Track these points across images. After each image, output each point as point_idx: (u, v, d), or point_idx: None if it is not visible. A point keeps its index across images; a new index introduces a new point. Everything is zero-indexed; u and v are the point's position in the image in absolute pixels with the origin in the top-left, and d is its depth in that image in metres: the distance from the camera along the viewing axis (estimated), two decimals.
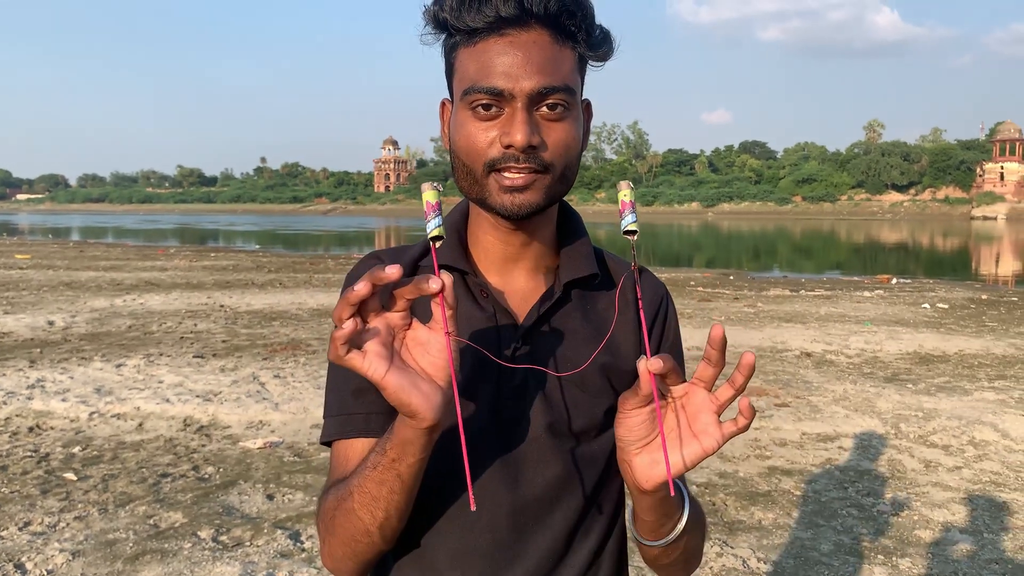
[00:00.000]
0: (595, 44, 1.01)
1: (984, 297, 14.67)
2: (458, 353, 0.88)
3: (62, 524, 3.97)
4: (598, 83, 1.07)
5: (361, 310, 0.84)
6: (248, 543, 3.80)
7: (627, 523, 1.08)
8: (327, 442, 1.08)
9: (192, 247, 31.17)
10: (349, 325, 0.83)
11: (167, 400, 6.29)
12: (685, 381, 0.94)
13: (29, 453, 5.06)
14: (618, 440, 0.97)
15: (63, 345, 8.72)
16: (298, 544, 3.79)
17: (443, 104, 1.09)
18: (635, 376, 1.14)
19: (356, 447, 1.05)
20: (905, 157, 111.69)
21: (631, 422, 0.94)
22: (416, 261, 1.12)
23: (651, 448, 0.94)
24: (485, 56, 0.97)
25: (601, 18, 1.03)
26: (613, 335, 1.11)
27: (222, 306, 12.12)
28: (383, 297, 0.87)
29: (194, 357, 8.08)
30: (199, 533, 3.89)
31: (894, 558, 3.78)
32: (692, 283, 16.70)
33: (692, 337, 8.57)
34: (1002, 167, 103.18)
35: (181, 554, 3.66)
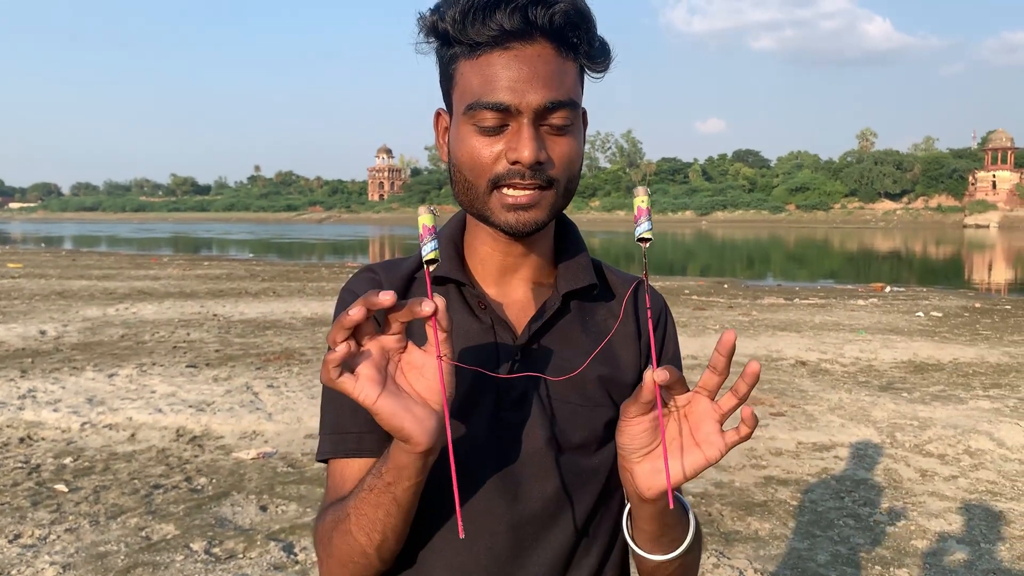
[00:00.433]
0: (596, 56, 1.00)
1: (978, 305, 14.71)
2: (452, 377, 0.87)
3: (53, 536, 3.93)
4: (591, 92, 1.06)
5: (355, 333, 0.84)
6: (241, 555, 3.77)
7: (626, 534, 1.05)
8: (323, 460, 1.07)
9: (185, 256, 31.09)
10: (342, 349, 0.82)
11: (159, 410, 6.25)
12: (688, 391, 0.92)
13: (20, 464, 5.01)
14: (620, 448, 0.95)
15: (55, 355, 8.67)
16: (291, 556, 3.76)
17: (438, 114, 1.07)
18: (631, 390, 1.13)
19: (351, 466, 1.04)
20: (898, 166, 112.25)
21: (633, 430, 0.92)
22: (412, 274, 1.11)
23: (653, 456, 0.93)
24: (489, 70, 0.95)
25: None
26: (613, 347, 1.10)
27: (215, 315, 12.07)
28: (378, 319, 0.86)
29: (187, 367, 8.03)
30: (191, 545, 3.85)
31: (891, 568, 3.76)
32: (686, 291, 16.70)
33: (687, 346, 8.57)
34: (994, 176, 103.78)
35: (173, 566, 3.63)
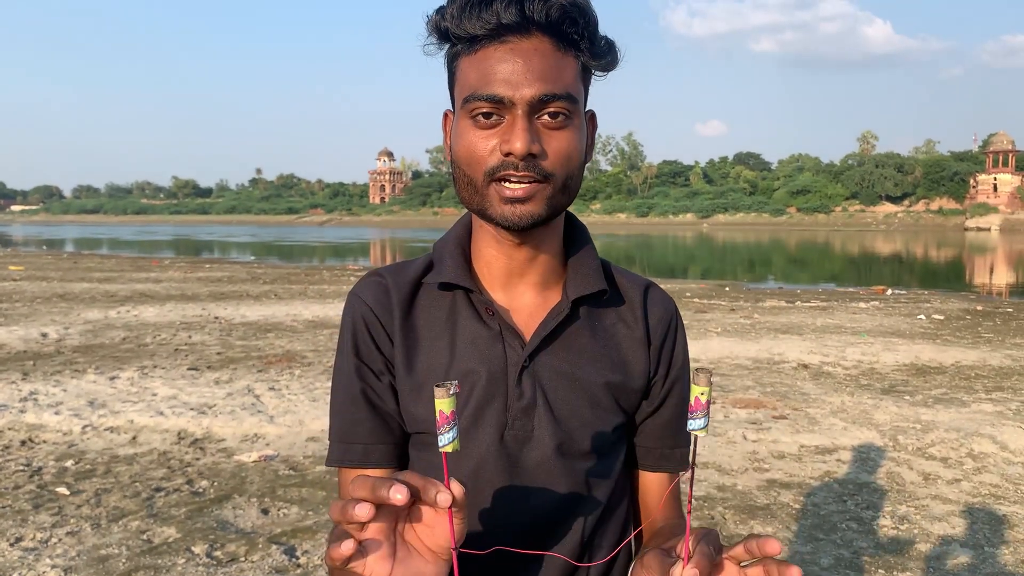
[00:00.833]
0: (598, 53, 0.99)
1: (979, 308, 14.69)
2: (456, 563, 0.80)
3: (54, 539, 3.92)
4: (593, 94, 1.05)
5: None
6: (243, 558, 3.76)
7: None
8: (335, 462, 1.09)
9: (187, 258, 31.10)
10: (348, 547, 0.74)
11: (161, 413, 6.24)
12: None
13: (21, 467, 5.01)
14: None
15: (56, 357, 8.66)
16: (293, 559, 3.75)
17: (446, 115, 1.07)
18: (643, 395, 1.12)
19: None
20: (899, 168, 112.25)
21: None
22: (419, 279, 1.10)
23: None
24: (485, 63, 0.95)
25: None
26: (622, 353, 1.09)
27: (217, 318, 12.07)
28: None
29: (188, 369, 8.03)
30: (193, 548, 3.85)
31: (894, 572, 3.75)
32: (688, 294, 16.69)
33: (688, 349, 8.54)
34: (995, 178, 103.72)
35: (175, 570, 3.62)
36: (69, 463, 5.09)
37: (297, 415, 6.21)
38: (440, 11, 0.98)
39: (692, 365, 1.13)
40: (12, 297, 14.59)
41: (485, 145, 0.96)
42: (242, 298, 14.97)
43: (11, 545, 3.84)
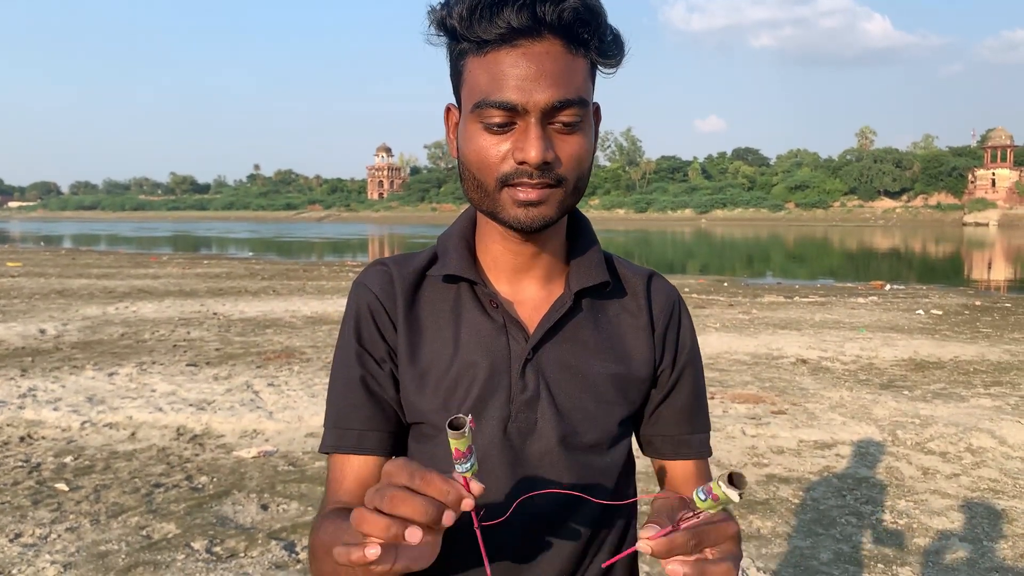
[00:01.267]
0: (607, 51, 0.98)
1: (978, 303, 14.70)
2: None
3: (53, 535, 3.92)
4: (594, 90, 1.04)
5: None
6: (242, 554, 3.76)
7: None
8: (327, 448, 1.08)
9: (185, 254, 31.07)
10: (373, 553, 0.73)
11: (160, 409, 6.24)
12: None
13: (20, 463, 5.00)
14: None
15: (55, 354, 8.66)
16: (293, 555, 3.75)
17: (448, 109, 1.06)
18: (648, 385, 1.12)
19: (351, 463, 1.04)
20: (897, 164, 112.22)
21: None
22: (423, 270, 1.10)
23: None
24: (496, 68, 0.93)
25: None
26: (625, 343, 1.09)
27: (215, 314, 12.06)
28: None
29: (187, 365, 8.02)
30: (192, 544, 3.85)
31: (893, 566, 3.76)
32: (687, 290, 16.70)
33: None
34: (993, 174, 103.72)
35: (174, 565, 3.62)
36: (68, 459, 5.09)
37: (296, 411, 6.21)
38: (446, 7, 0.96)
39: None
40: (10, 294, 14.58)
41: (497, 151, 0.95)
42: (240, 294, 14.96)
43: (10, 541, 3.84)
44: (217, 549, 3.81)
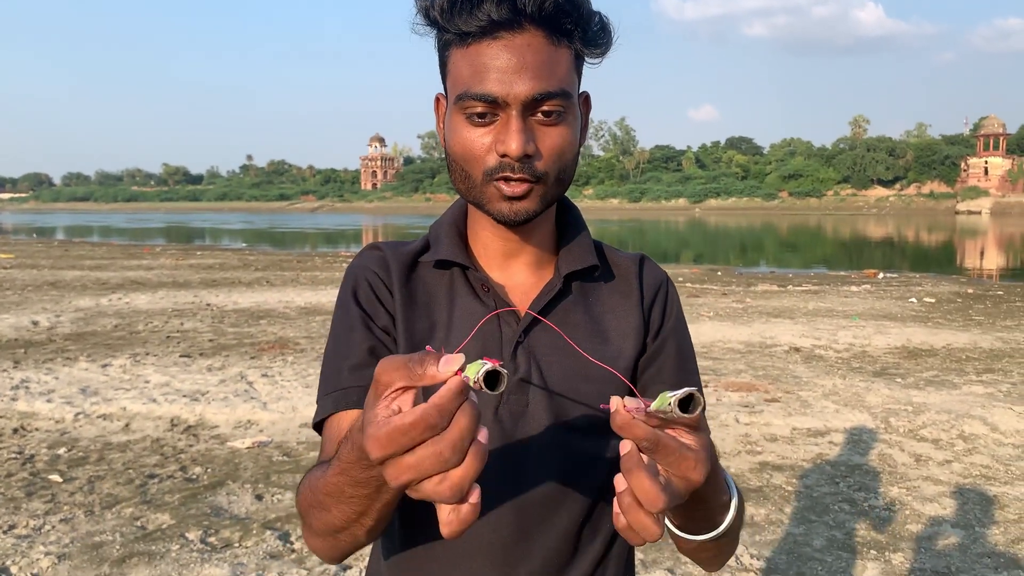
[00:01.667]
0: (592, 40, 0.98)
1: (970, 291, 14.75)
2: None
3: (47, 527, 3.92)
4: (585, 77, 1.04)
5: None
6: (237, 544, 3.76)
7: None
8: (320, 423, 1.02)
9: (178, 246, 30.99)
10: (405, 399, 0.68)
11: (154, 400, 6.23)
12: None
13: (13, 455, 4.99)
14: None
15: (48, 345, 8.63)
16: (288, 545, 3.76)
17: (438, 99, 1.06)
18: (637, 360, 1.11)
19: (350, 417, 0.99)
20: (890, 152, 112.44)
21: None
22: (416, 256, 1.10)
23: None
24: (478, 60, 0.93)
25: None
26: (617, 325, 1.09)
27: (209, 305, 12.04)
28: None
29: (181, 356, 8.01)
30: (187, 534, 3.85)
31: (886, 553, 3.78)
32: (680, 279, 16.71)
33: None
34: (986, 162, 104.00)
35: (169, 556, 3.62)
36: (62, 451, 5.08)
37: (290, 401, 6.21)
38: None
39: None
40: (3, 285, 14.52)
41: (481, 144, 0.96)
42: (234, 285, 14.93)
43: (4, 533, 3.83)
44: (212, 539, 3.81)
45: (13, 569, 3.47)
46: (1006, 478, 4.74)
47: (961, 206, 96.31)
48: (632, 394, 1.10)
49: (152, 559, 3.58)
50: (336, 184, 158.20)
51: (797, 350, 8.64)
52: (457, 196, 1.12)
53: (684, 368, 1.13)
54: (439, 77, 1.04)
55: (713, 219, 77.12)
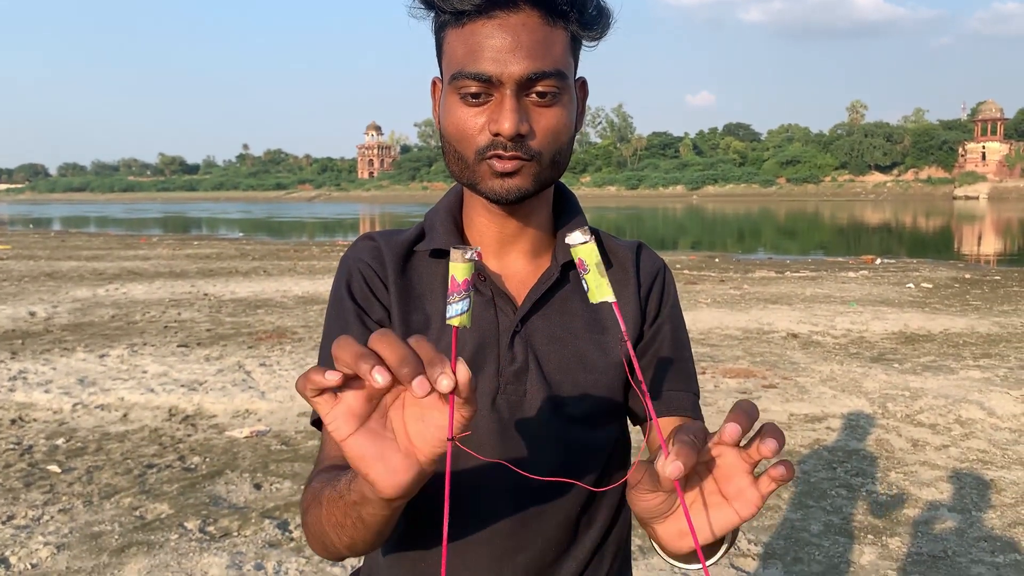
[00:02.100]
0: (588, 23, 0.98)
1: (967, 276, 14.76)
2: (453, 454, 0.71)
3: (46, 517, 3.92)
4: (582, 63, 1.04)
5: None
6: (236, 533, 3.77)
7: (652, 544, 0.88)
8: (318, 420, 1.01)
9: (175, 235, 30.93)
10: (334, 377, 0.67)
11: (151, 390, 6.23)
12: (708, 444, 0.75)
13: (12, 446, 5.00)
14: (636, 513, 0.81)
15: (45, 336, 8.62)
16: (286, 533, 3.76)
17: (434, 83, 1.06)
18: (637, 343, 1.11)
19: None
20: (888, 138, 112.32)
21: (647, 504, 0.77)
22: (411, 246, 1.10)
23: (675, 518, 0.78)
24: (473, 39, 0.93)
25: None
26: (614, 313, 1.09)
27: (206, 295, 12.02)
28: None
29: (178, 346, 8.01)
30: (186, 524, 3.85)
31: (884, 537, 3.79)
32: (678, 266, 16.71)
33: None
34: (984, 147, 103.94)
35: (168, 545, 3.62)
36: (60, 441, 5.08)
37: (288, 390, 6.21)
38: None
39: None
40: None
41: (474, 123, 0.96)
42: (231, 275, 14.91)
43: (3, 523, 3.84)
44: (210, 529, 3.81)
45: (12, 559, 3.47)
46: (1003, 462, 4.76)
47: (959, 191, 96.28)
48: (624, 391, 1.10)
49: (151, 549, 3.59)
50: (333, 173, 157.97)
51: (795, 336, 8.64)
52: (453, 184, 1.11)
53: (679, 356, 1.13)
54: (436, 63, 1.03)
55: (711, 206, 77.09)
